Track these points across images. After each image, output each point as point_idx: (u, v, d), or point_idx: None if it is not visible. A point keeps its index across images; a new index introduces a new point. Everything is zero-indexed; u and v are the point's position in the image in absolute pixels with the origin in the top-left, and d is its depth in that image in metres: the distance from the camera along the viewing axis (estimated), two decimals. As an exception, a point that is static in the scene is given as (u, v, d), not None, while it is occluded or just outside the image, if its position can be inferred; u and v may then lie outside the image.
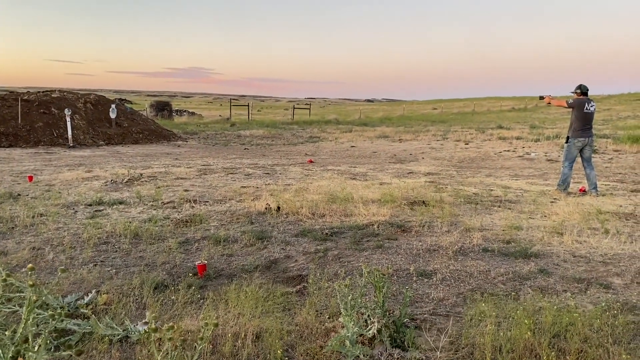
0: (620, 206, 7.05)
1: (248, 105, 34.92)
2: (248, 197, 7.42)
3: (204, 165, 11.59)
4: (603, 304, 3.37)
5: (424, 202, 6.98)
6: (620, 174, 10.81)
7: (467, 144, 17.81)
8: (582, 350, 2.80)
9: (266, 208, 6.55)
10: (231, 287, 3.75)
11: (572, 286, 4.00)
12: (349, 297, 2.91)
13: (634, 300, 3.66)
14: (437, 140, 19.17)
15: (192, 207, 6.75)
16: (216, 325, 1.97)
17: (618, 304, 3.47)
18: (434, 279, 4.17)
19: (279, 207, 6.51)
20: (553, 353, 2.71)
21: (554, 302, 3.49)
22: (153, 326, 1.79)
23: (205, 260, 4.51)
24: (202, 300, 3.67)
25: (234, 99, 53.77)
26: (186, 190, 7.99)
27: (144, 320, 3.25)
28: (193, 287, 3.79)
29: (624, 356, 2.66)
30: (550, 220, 6.18)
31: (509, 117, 36.14)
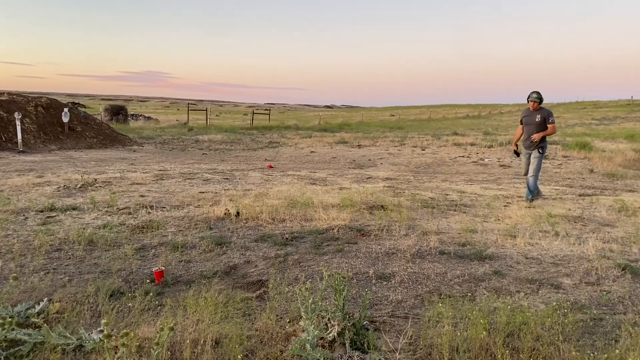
0: (569, 209, 7.34)
1: (206, 110, 34.50)
2: (206, 202, 7.33)
3: (160, 170, 11.37)
4: (554, 304, 3.50)
5: (382, 206, 7.07)
6: (569, 178, 11.26)
7: (424, 150, 18.16)
8: (534, 349, 2.90)
9: (225, 213, 6.49)
10: (190, 293, 3.69)
11: (524, 287, 4.13)
12: (310, 301, 2.92)
13: (583, 300, 3.82)
14: (395, 146, 19.46)
15: (149, 213, 6.62)
16: (172, 329, 1.94)
17: (568, 303, 3.61)
18: (393, 281, 4.23)
19: (238, 213, 6.46)
20: (507, 352, 2.79)
21: (508, 303, 3.59)
22: (106, 333, 1.75)
23: (163, 266, 4.42)
24: (159, 307, 3.60)
25: (191, 104, 53.02)
26: (142, 196, 7.82)
27: (99, 329, 3.16)
28: (150, 294, 3.72)
29: (573, 353, 2.77)
30: (504, 223, 6.37)
31: (463, 124, 37.08)
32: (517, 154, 8.62)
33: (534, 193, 8.01)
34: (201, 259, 4.82)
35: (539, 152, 7.89)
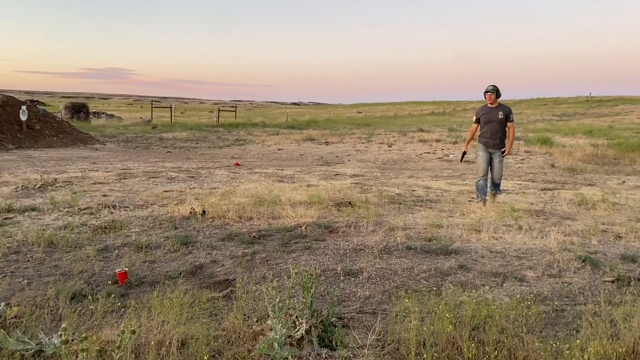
0: (532, 204, 7.52)
1: (171, 107, 33.90)
2: (171, 201, 7.20)
3: (123, 169, 11.12)
4: (518, 296, 3.57)
5: (350, 203, 7.09)
6: (531, 173, 11.54)
7: (391, 146, 18.31)
8: (499, 341, 2.95)
9: (191, 212, 6.38)
10: (154, 294, 3.61)
11: (489, 280, 4.20)
12: (277, 300, 2.90)
13: (545, 292, 3.91)
14: (362, 143, 19.56)
15: (112, 212, 6.46)
16: (134, 332, 1.88)
17: (531, 295, 3.69)
18: (361, 277, 4.25)
19: (204, 211, 6.36)
20: (473, 345, 2.83)
21: (473, 296, 3.65)
22: (64, 338, 1.69)
23: (126, 267, 4.32)
24: (123, 309, 3.51)
25: (155, 101, 52.03)
26: (105, 196, 7.63)
27: (59, 333, 3.06)
28: (113, 296, 3.62)
29: (536, 344, 2.82)
30: (469, 218, 6.47)
31: (429, 120, 37.57)
32: (464, 155, 7.88)
33: (498, 189, 7.49)
34: (166, 259, 4.73)
35: (502, 154, 7.30)
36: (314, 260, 4.69)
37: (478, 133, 7.54)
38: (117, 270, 4.20)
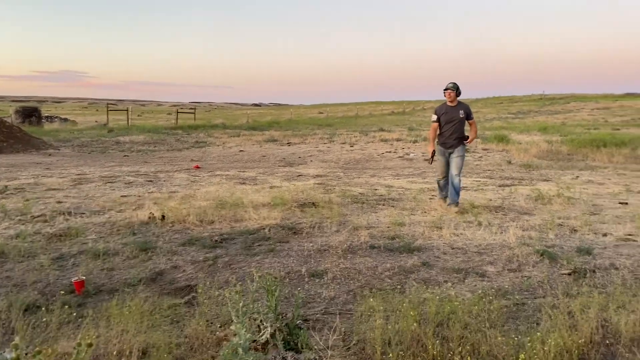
0: (491, 200, 7.68)
1: (127, 110, 33.10)
2: (129, 206, 7.01)
3: (79, 174, 10.76)
4: (479, 292, 3.63)
5: (313, 203, 7.07)
6: (489, 170, 11.80)
7: (352, 146, 18.41)
8: (463, 337, 2.98)
9: (150, 217, 6.23)
10: (113, 302, 3.48)
11: (452, 276, 4.26)
12: (240, 304, 2.84)
13: (506, 286, 3.99)
14: (325, 143, 19.59)
15: (67, 219, 6.23)
16: (90, 345, 1.80)
17: (492, 290, 3.76)
18: (325, 278, 4.23)
19: (163, 216, 6.22)
20: (437, 341, 2.85)
21: (436, 293, 3.68)
22: (15, 355, 1.59)
23: (83, 276, 4.17)
24: (80, 320, 3.38)
25: (111, 104, 50.69)
26: (59, 202, 7.35)
27: (10, 349, 2.91)
28: (69, 306, 3.48)
29: (499, 338, 2.87)
30: (430, 215, 6.56)
31: (389, 120, 38.00)
32: (433, 155, 7.29)
33: (459, 195, 7.04)
34: (125, 266, 4.59)
35: (464, 148, 7.06)
36: (278, 262, 4.65)
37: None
38: (73, 279, 4.04)
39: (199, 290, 3.75)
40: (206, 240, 5.32)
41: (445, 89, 6.95)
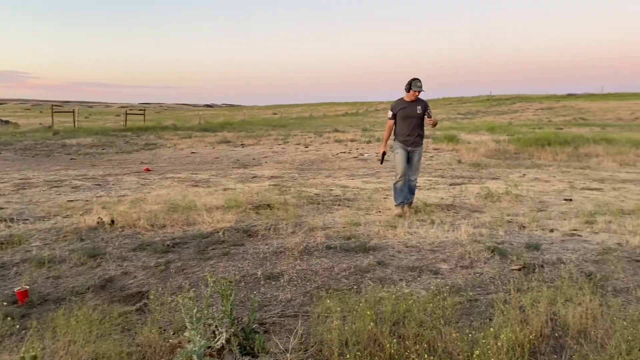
0: (442, 198, 7.83)
1: (73, 112, 31.90)
2: (76, 211, 6.74)
3: (22, 179, 10.27)
4: (434, 289, 3.67)
5: (269, 205, 7.00)
6: (440, 169, 12.04)
7: (307, 147, 18.41)
8: (419, 334, 3.01)
9: (98, 222, 6.00)
10: (59, 312, 3.33)
11: (406, 275, 4.30)
12: (194, 310, 2.76)
13: (459, 283, 4.06)
14: (279, 144, 19.51)
15: (9, 226, 5.92)
16: (35, 358, 1.70)
17: (446, 287, 3.82)
18: (282, 280, 4.19)
19: (112, 221, 6.01)
20: (394, 340, 2.86)
21: (392, 292, 3.70)
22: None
23: (27, 285, 3.97)
24: (24, 331, 3.21)
25: (56, 105, 48.77)
26: (0, 208, 6.99)
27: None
28: (12, 318, 3.30)
29: (454, 335, 2.91)
30: (384, 215, 6.62)
31: (343, 121, 38.24)
32: (384, 157, 7.12)
33: (414, 195, 6.93)
34: (72, 273, 4.41)
35: (422, 149, 6.81)
36: (233, 266, 4.57)
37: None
38: (16, 289, 3.84)
39: (151, 297, 3.64)
40: (158, 245, 5.17)
41: (416, 89, 6.44)
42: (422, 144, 6.76)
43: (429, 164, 13.08)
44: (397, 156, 6.70)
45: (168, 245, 5.18)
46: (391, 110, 6.73)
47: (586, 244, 5.11)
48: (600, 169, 12.06)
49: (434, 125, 6.51)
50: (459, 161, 13.53)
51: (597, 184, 9.44)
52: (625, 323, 3.04)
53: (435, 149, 16.35)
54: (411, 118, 6.58)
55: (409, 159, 6.71)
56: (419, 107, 6.56)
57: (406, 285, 4.04)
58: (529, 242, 5.13)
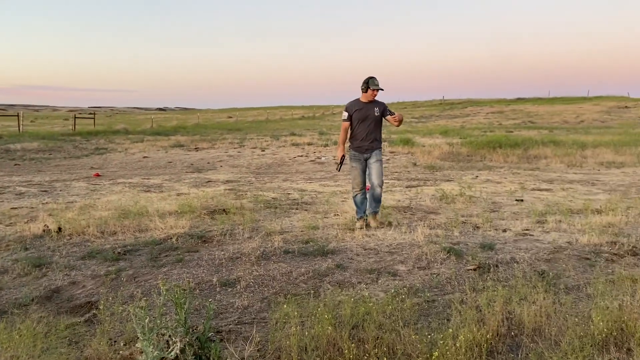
0: (399, 201, 7.90)
1: (18, 116, 30.59)
2: (20, 219, 6.42)
3: (-39, 185, 9.73)
4: (392, 291, 3.66)
5: (224, 210, 6.87)
6: (396, 172, 12.18)
7: (264, 150, 18.27)
8: (378, 337, 2.98)
9: (44, 230, 5.73)
10: (0, 326, 3.13)
11: (365, 277, 4.29)
12: (147, 320, 2.64)
13: (417, 284, 4.07)
14: (235, 148, 19.28)
15: (-56, 236, 5.57)
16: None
17: (405, 289, 3.81)
18: (238, 287, 4.09)
19: (60, 228, 5.75)
20: (353, 344, 2.83)
21: (351, 295, 3.68)
22: None
23: (-37, 299, 3.72)
24: (-41, 350, 2.99)
25: (0, 109, 46.66)
26: (-64, 217, 6.58)
27: None
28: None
29: (413, 336, 2.90)
30: (342, 218, 6.60)
31: (300, 124, 38.26)
32: (342, 161, 6.37)
33: (380, 203, 6.28)
34: (15, 284, 4.17)
35: (381, 152, 6.21)
36: (188, 273, 4.44)
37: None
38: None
39: (101, 307, 3.47)
40: (108, 253, 4.97)
41: (374, 87, 5.91)
42: (379, 147, 6.17)
43: (385, 167, 13.18)
44: (353, 169, 6.13)
45: (119, 252, 4.99)
46: (346, 111, 6.10)
47: (538, 243, 5.24)
48: (549, 170, 12.49)
49: (400, 122, 5.95)
50: (414, 164, 13.72)
51: (546, 185, 9.76)
52: (577, 319, 3.11)
53: (391, 152, 16.55)
54: (368, 120, 6.01)
55: (367, 167, 6.12)
56: (376, 109, 6.00)
57: (365, 287, 4.02)
58: (483, 242, 5.22)
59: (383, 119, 6.10)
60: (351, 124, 6.10)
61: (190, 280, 4.22)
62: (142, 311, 2.65)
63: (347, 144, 6.24)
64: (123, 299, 3.82)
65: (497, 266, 4.46)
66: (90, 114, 43.53)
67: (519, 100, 62.08)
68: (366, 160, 6.10)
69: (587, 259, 4.69)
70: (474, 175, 11.46)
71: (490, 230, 5.87)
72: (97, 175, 11.83)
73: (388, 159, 14.82)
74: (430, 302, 3.69)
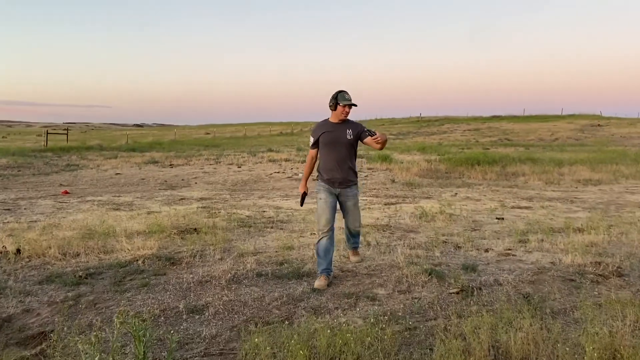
0: (378, 219, 7.69)
1: (-12, 131, 29.76)
2: (-23, 240, 6.02)
3: None
4: (372, 319, 3.42)
5: (195, 229, 6.57)
6: (375, 189, 12.00)
7: (240, 167, 17.97)
8: (356, 371, 2.74)
9: (1, 252, 5.36)
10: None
11: (342, 302, 4.04)
12: (97, 357, 2.36)
13: (398, 310, 3.83)
14: (210, 165, 18.93)
15: None
16: None
17: (385, 317, 3.57)
18: (206, 314, 3.81)
19: (19, 250, 5.39)
20: (330, 380, 2.58)
21: (327, 323, 3.43)
22: None
23: None
24: None
25: (-31, 124, 45.46)
26: None
27: None
28: None
29: (394, 370, 2.66)
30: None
31: (277, 140, 38.02)
32: (304, 198, 5.10)
33: (359, 237, 5.37)
34: (-39, 313, 3.82)
35: (357, 187, 4.98)
36: (153, 298, 4.13)
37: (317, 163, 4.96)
38: None
39: (54, 338, 3.17)
40: (69, 277, 4.64)
41: (346, 103, 4.57)
42: (355, 182, 4.89)
43: (363, 184, 13.03)
44: (320, 202, 4.72)
45: (80, 276, 4.65)
46: (312, 136, 4.80)
47: (521, 264, 5.07)
48: (527, 187, 12.46)
49: (383, 143, 4.49)
50: (393, 180, 13.58)
51: (526, 202, 9.67)
52: (567, 348, 2.92)
53: (370, 169, 16.40)
54: (338, 145, 4.68)
55: (341, 207, 4.91)
56: (349, 131, 4.65)
57: (342, 314, 3.78)
58: (466, 263, 5.02)
59: (360, 142, 4.76)
60: (319, 151, 4.84)
61: (155, 306, 3.93)
62: (92, 347, 2.37)
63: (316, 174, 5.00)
64: (80, 328, 3.52)
65: (480, 289, 4.25)
66: (64, 129, 42.62)
67: (495, 117, 62.87)
68: (338, 196, 4.83)
69: (572, 280, 4.52)
70: (453, 192, 11.34)
71: (472, 250, 5.68)
72: (66, 192, 11.39)
73: (366, 176, 14.65)
74: (412, 329, 3.46)
